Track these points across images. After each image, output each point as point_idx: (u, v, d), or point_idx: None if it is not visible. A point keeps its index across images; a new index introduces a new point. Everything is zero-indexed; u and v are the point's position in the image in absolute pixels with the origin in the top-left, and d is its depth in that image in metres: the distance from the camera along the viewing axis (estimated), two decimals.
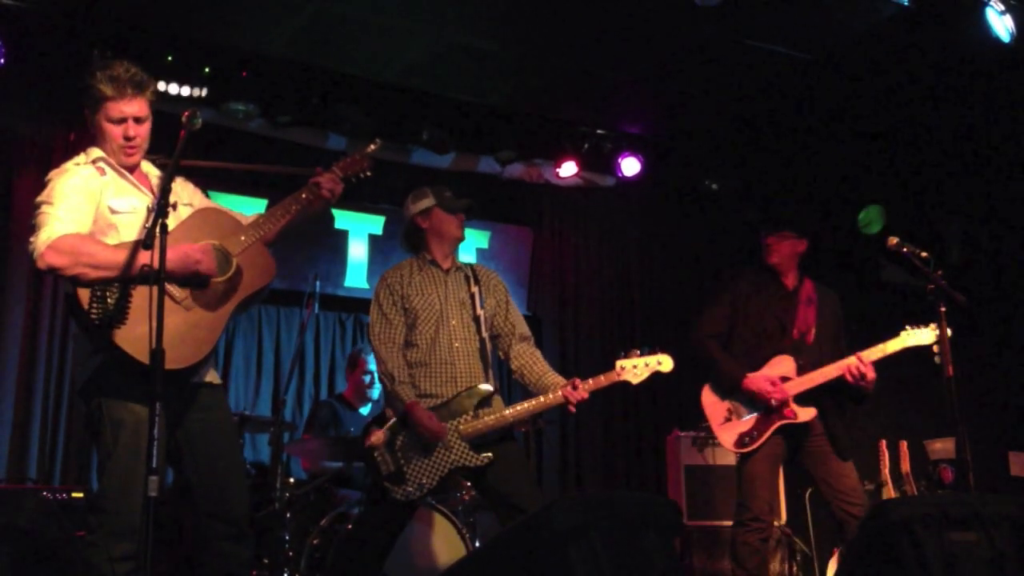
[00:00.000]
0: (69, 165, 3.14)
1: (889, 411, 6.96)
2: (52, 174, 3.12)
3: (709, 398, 4.49)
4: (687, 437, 6.05)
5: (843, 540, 4.26)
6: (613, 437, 7.59)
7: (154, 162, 3.32)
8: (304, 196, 3.38)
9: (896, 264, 6.66)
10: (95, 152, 3.21)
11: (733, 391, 4.40)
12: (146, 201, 3.17)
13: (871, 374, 4.28)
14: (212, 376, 3.25)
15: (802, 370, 4.36)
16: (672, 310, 7.94)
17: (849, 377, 4.28)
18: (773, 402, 4.29)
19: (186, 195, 3.37)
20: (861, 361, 4.28)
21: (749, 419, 4.37)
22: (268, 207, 3.55)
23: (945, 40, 5.72)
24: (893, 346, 4.34)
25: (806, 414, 4.32)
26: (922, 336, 4.31)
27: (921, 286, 4.19)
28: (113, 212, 3.08)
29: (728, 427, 4.39)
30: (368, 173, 3.59)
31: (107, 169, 3.17)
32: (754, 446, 4.32)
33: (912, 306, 4.49)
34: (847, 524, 4.22)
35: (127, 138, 3.12)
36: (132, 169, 3.22)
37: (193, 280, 3.07)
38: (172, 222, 3.10)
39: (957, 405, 3.91)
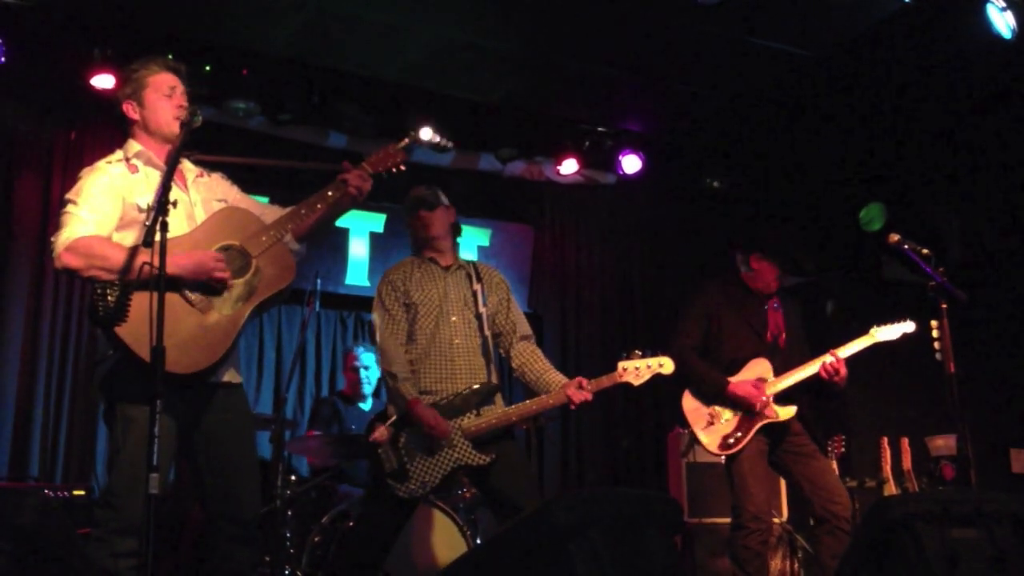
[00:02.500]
0: (101, 163, 3.17)
1: (891, 408, 6.97)
2: (83, 172, 3.15)
3: (690, 403, 4.53)
4: (688, 434, 6.05)
5: (820, 537, 4.27)
6: (614, 434, 7.59)
7: (189, 158, 3.32)
8: (330, 194, 3.31)
9: (897, 261, 6.66)
10: (133, 147, 3.23)
11: (716, 398, 4.45)
12: (182, 198, 3.19)
13: (844, 370, 4.37)
14: (232, 375, 3.23)
15: (778, 371, 4.43)
16: (673, 308, 7.91)
17: (824, 373, 4.35)
18: (757, 405, 4.34)
19: (220, 192, 3.36)
20: (836, 358, 4.36)
21: (731, 421, 4.41)
22: (268, 204, 3.53)
23: (946, 37, 5.71)
24: (862, 342, 4.46)
25: (787, 412, 4.38)
26: (890, 333, 4.47)
27: (922, 283, 4.20)
28: (140, 211, 3.09)
29: (711, 430, 4.44)
30: (402, 167, 3.51)
31: (141, 166, 3.18)
32: (739, 447, 4.36)
33: (913, 303, 4.49)
34: (828, 522, 4.23)
35: (180, 107, 3.18)
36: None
37: (208, 285, 3.04)
38: (180, 220, 3.11)
39: (959, 402, 3.91)
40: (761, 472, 4.38)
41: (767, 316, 4.57)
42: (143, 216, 3.07)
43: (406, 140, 3.60)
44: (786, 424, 4.40)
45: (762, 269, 4.60)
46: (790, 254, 4.62)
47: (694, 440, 4.55)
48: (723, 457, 4.46)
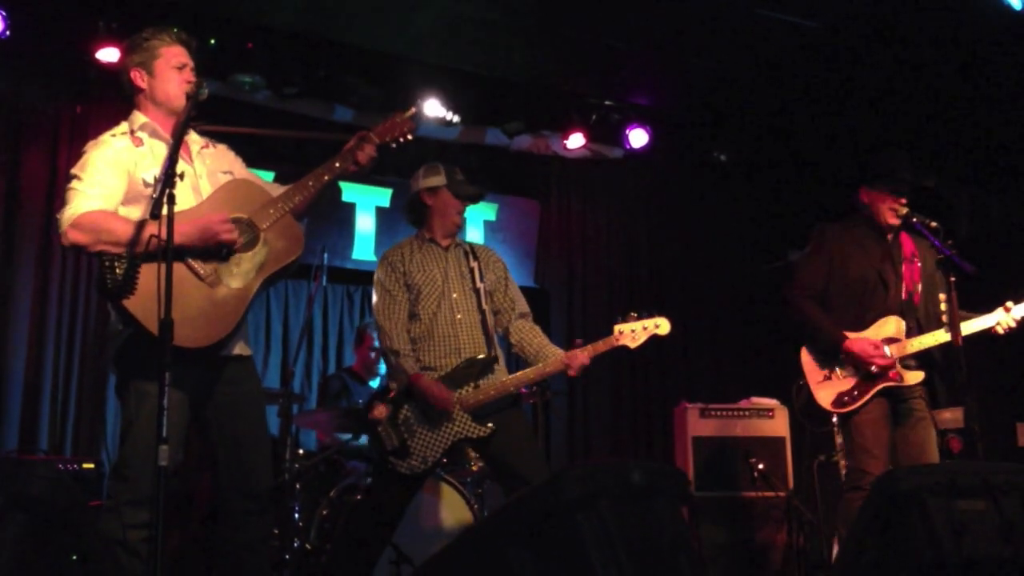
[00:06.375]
0: (105, 136, 3.14)
1: None
2: (88, 145, 3.12)
3: (808, 355, 4.31)
4: (695, 408, 6.06)
5: None
6: (621, 409, 7.60)
7: (195, 128, 3.28)
8: (337, 165, 3.28)
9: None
10: (138, 119, 3.19)
11: (833, 354, 4.21)
12: (188, 170, 3.15)
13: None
14: (242, 348, 3.23)
15: (911, 332, 4.20)
16: (679, 282, 7.93)
17: (1001, 330, 4.12)
18: (874, 368, 4.11)
19: (226, 163, 3.34)
20: (1007, 311, 4.11)
21: (850, 379, 4.19)
22: (274, 180, 3.52)
23: (956, 8, 5.66)
24: None
25: (914, 377, 4.16)
26: None
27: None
28: (147, 184, 3.07)
29: (827, 386, 4.22)
30: (410, 137, 3.46)
31: (146, 139, 3.15)
32: (853, 406, 4.14)
33: None
34: None
35: (188, 82, 3.14)
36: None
37: (215, 251, 3.03)
38: (186, 192, 3.07)
39: (966, 375, 3.89)
40: (885, 436, 4.15)
41: (901, 268, 4.31)
42: (149, 190, 3.05)
43: (413, 109, 3.54)
44: (909, 389, 4.18)
45: (872, 200, 4.36)
46: (898, 173, 4.28)
47: (809, 395, 4.29)
48: (835, 417, 4.24)
